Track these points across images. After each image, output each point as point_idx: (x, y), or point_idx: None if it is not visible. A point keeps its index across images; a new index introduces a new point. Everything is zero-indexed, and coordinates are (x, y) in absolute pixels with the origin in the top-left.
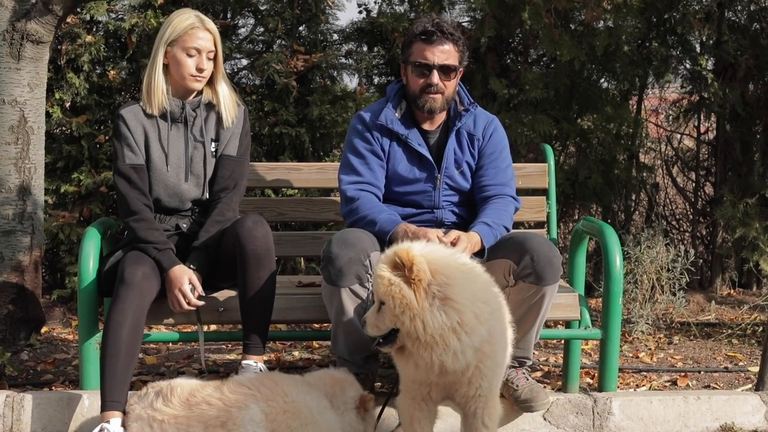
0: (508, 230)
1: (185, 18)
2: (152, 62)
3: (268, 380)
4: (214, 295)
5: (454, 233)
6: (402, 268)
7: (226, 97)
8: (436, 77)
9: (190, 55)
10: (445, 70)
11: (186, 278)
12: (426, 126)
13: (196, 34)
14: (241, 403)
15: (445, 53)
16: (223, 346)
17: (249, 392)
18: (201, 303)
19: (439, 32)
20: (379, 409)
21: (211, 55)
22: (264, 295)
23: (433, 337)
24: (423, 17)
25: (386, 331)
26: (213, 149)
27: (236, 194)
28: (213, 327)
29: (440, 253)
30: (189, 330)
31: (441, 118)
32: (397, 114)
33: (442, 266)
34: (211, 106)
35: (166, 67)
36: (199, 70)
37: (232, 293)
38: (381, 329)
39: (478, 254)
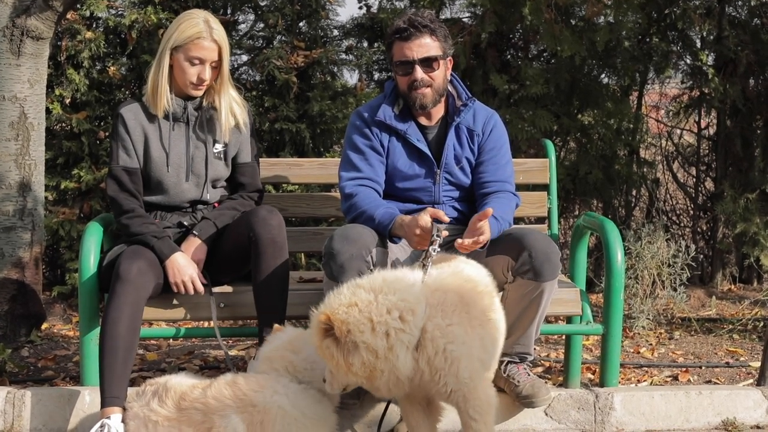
0: (510, 225)
1: (193, 24)
2: (158, 64)
3: (239, 389)
4: (215, 290)
5: (485, 225)
6: (330, 330)
7: (228, 106)
8: (419, 72)
9: (193, 65)
10: (427, 63)
11: (193, 267)
12: (424, 121)
13: (201, 44)
14: (222, 411)
15: (423, 46)
16: (223, 342)
17: (228, 400)
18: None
19: (412, 27)
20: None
21: (215, 65)
22: (280, 285)
23: (368, 374)
24: (398, 17)
25: (342, 388)
26: (216, 150)
27: (260, 197)
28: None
29: (340, 301)
30: (189, 326)
31: (439, 113)
32: (395, 110)
33: (341, 317)
34: (213, 108)
35: (171, 68)
36: (200, 80)
37: (230, 289)
38: (336, 388)
39: (480, 246)
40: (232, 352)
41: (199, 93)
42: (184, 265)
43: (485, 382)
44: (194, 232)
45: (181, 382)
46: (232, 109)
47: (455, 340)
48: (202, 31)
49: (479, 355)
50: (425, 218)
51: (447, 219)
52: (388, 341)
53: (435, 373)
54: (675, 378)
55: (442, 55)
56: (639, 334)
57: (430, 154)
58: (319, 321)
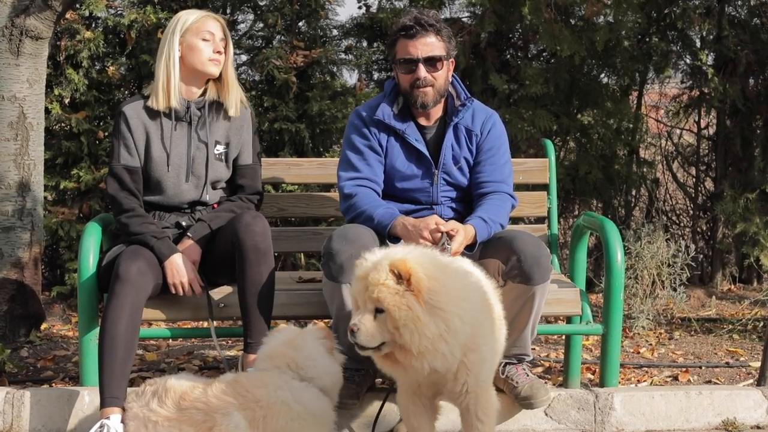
0: (503, 227)
1: (193, 12)
2: (167, 57)
3: (241, 387)
4: (212, 291)
5: (453, 224)
6: (400, 278)
7: (233, 86)
8: (422, 71)
9: (205, 40)
10: (431, 62)
11: (191, 268)
12: (423, 121)
13: (207, 21)
14: (224, 409)
15: (428, 45)
16: (223, 342)
17: (230, 398)
18: (192, 294)
19: (418, 25)
20: (378, 404)
21: (223, 44)
22: (264, 290)
23: (426, 347)
24: (403, 14)
25: (380, 342)
26: (217, 152)
27: (259, 200)
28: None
29: (427, 258)
30: (188, 326)
31: (438, 113)
32: (394, 109)
33: (432, 273)
34: (217, 107)
35: (181, 60)
36: (217, 52)
37: (230, 289)
38: (375, 340)
39: (469, 248)
40: (231, 352)
41: (217, 70)
42: (183, 266)
43: (491, 384)
44: (188, 233)
45: (180, 382)
46: (237, 88)
47: (488, 343)
48: (203, 13)
49: (493, 358)
50: (432, 221)
51: (444, 229)
52: (463, 322)
53: (464, 367)
54: (675, 378)
55: (446, 56)
56: (639, 334)
57: (428, 154)
58: (395, 267)
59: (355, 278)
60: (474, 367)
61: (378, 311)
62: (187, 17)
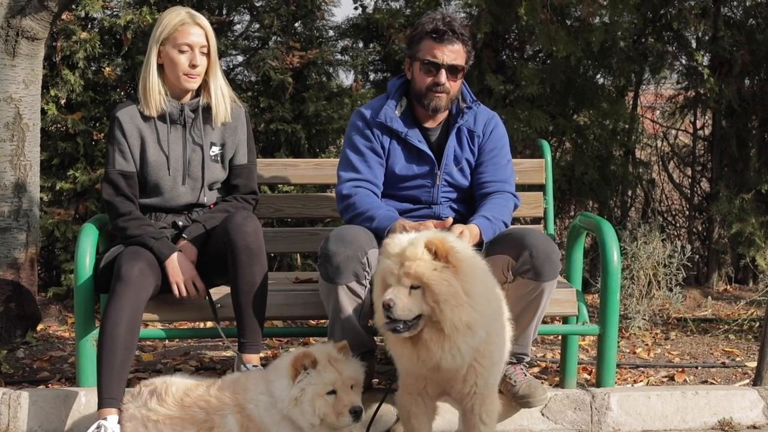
0: (507, 226)
1: (175, 15)
2: (146, 63)
3: (239, 387)
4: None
5: (458, 228)
6: (436, 255)
7: (218, 91)
8: (443, 76)
9: (182, 52)
10: (453, 70)
11: (189, 267)
12: (427, 123)
13: (187, 30)
14: (221, 410)
15: (454, 53)
16: (220, 343)
17: (227, 400)
18: (195, 293)
19: (450, 31)
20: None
21: (204, 50)
22: (257, 290)
23: (457, 330)
24: (433, 13)
25: (414, 316)
26: (213, 153)
27: (255, 200)
28: (209, 324)
29: (463, 246)
30: (184, 327)
31: (443, 116)
32: (397, 111)
33: (466, 260)
34: (210, 108)
35: (160, 67)
36: (193, 66)
37: (226, 289)
38: (412, 313)
39: (475, 247)
40: (228, 353)
41: (194, 83)
42: (183, 265)
43: (497, 387)
44: (183, 235)
45: (183, 381)
46: (223, 93)
47: (500, 349)
48: (185, 18)
49: (501, 361)
50: (430, 225)
51: (449, 222)
52: (483, 321)
53: (473, 371)
54: (671, 378)
55: (466, 65)
56: (635, 334)
57: (431, 154)
58: (432, 244)
59: (386, 256)
60: (485, 371)
61: (413, 287)
62: (168, 23)
